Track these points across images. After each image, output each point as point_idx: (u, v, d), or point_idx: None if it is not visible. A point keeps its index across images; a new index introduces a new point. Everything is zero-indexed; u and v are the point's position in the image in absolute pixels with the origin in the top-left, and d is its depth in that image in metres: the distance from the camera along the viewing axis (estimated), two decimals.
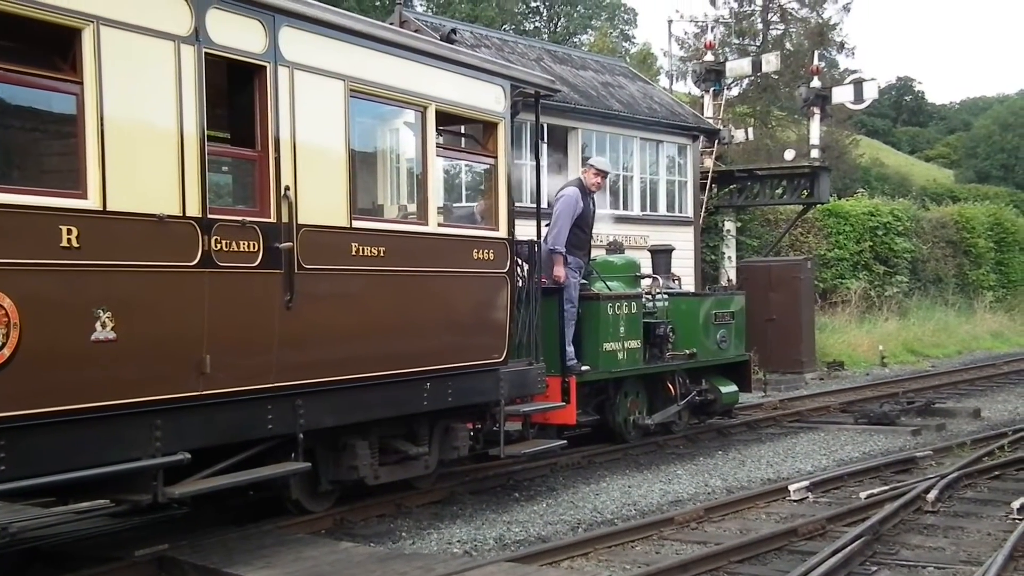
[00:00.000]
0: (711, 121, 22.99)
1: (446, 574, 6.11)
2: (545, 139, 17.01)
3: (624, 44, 55.76)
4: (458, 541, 7.56)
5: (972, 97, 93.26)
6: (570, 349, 10.11)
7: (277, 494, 7.70)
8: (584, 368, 10.37)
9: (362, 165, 8.05)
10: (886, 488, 8.97)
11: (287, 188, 6.67)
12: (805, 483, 9.15)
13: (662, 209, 21.04)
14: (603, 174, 10.88)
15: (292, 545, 6.85)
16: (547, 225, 10.47)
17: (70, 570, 6.41)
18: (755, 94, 38.34)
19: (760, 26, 40.93)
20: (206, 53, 6.19)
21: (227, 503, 7.76)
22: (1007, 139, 67.02)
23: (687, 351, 11.99)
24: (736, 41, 40.13)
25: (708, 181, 22.15)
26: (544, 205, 10.34)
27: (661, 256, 13.19)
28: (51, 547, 7.07)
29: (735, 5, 40.40)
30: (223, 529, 7.31)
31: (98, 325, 5.51)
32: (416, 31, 12.75)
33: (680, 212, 21.47)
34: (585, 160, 17.79)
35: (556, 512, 8.51)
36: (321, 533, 7.59)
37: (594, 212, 10.84)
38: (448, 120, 8.52)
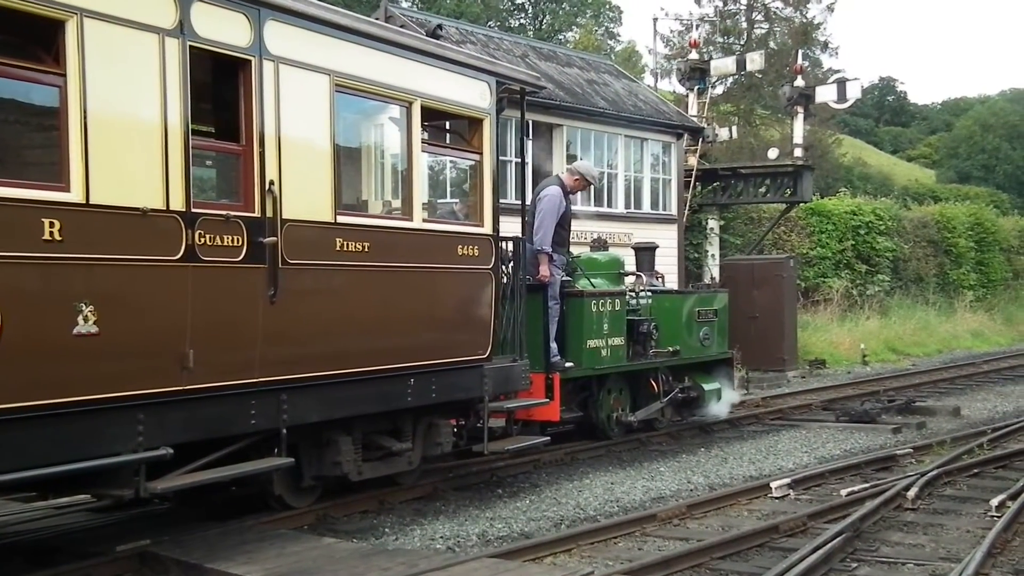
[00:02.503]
0: (695, 119, 23.05)
1: (429, 570, 6.11)
2: (530, 135, 17.00)
3: (609, 42, 55.85)
4: (441, 537, 7.56)
5: (954, 98, 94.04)
6: (554, 346, 10.12)
7: (260, 490, 7.68)
8: (568, 365, 10.38)
9: (347, 160, 8.02)
10: (867, 485, 9.03)
11: (271, 183, 6.65)
12: (787, 480, 9.20)
13: (646, 207, 21.10)
14: (587, 184, 10.94)
15: (274, 541, 6.83)
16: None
17: (51, 565, 6.37)
18: (739, 93, 38.44)
19: (744, 25, 41.00)
20: (191, 46, 6.15)
21: (209, 499, 7.73)
22: (988, 140, 67.56)
23: (670, 348, 12.02)
24: (721, 40, 40.22)
25: (692, 179, 22.22)
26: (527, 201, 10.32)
27: (645, 254, 13.21)
28: (32, 542, 7.04)
29: (720, 4, 40.48)
30: (205, 525, 7.28)
31: (80, 319, 5.48)
32: (402, 26, 12.71)
33: (664, 210, 21.54)
34: (571, 158, 17.82)
35: (539, 508, 8.53)
36: (304, 529, 7.58)
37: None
38: (433, 116, 8.50)
